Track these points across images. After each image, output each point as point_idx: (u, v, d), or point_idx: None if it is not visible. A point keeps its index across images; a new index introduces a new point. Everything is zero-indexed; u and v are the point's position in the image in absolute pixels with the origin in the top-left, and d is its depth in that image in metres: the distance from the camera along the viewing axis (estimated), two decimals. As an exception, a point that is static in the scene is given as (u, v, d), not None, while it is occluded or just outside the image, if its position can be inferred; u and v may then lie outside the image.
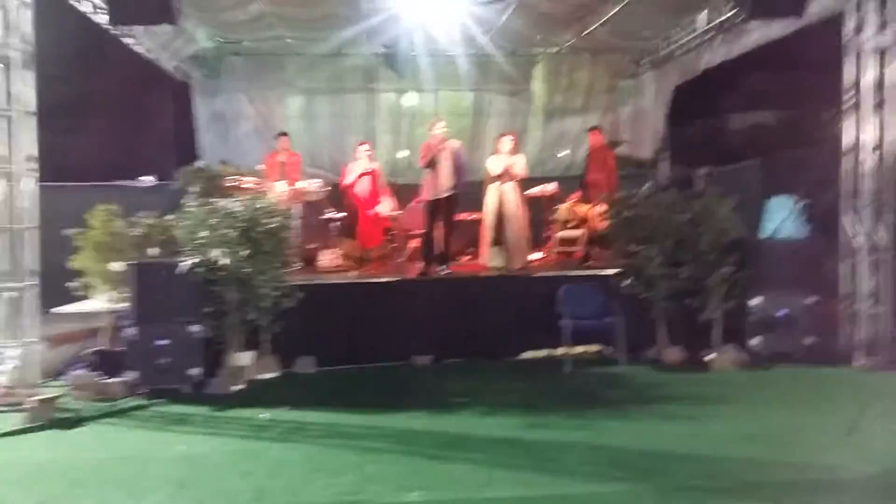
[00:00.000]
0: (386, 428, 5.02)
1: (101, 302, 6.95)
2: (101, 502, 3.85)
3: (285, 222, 6.69)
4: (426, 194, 7.75)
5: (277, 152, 9.14)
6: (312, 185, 8.62)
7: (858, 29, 6.62)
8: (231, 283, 6.24)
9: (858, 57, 6.65)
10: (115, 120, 12.33)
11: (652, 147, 12.32)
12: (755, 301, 6.70)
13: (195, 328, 6.07)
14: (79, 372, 6.15)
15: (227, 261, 6.17)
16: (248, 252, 6.31)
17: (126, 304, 6.81)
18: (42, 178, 6.27)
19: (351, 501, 3.73)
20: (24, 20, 6.03)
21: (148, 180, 11.55)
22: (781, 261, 6.79)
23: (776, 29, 8.36)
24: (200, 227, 6.24)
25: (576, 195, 8.98)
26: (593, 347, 7.18)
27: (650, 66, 11.69)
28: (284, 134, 9.28)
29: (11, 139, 5.94)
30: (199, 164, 8.73)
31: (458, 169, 7.77)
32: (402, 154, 11.75)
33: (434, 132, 7.80)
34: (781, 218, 8.33)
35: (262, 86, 11.47)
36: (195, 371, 6.06)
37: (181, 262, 6.08)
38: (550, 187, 9.24)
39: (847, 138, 6.80)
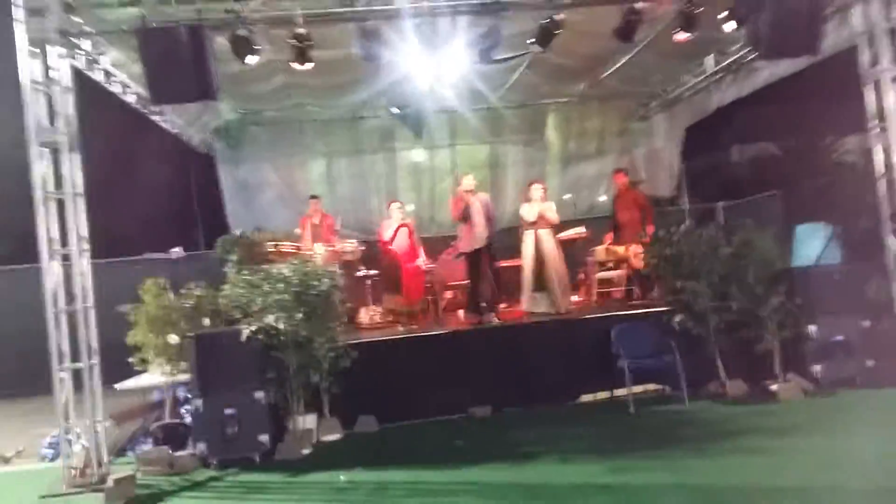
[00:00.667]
0: (469, 482, 4.99)
1: (158, 375, 6.95)
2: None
3: (335, 283, 6.74)
4: (463, 246, 7.86)
5: (310, 215, 9.27)
6: (349, 246, 8.71)
7: (874, 62, 6.84)
8: (290, 347, 6.26)
9: (878, 86, 6.85)
10: (142, 195, 12.51)
11: (669, 185, 12.57)
12: (812, 328, 6.72)
13: (259, 394, 6.06)
14: (145, 447, 6.11)
15: (283, 325, 6.19)
16: (302, 315, 6.34)
17: (184, 376, 6.85)
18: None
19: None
20: (68, 104, 6.18)
21: (177, 252, 11.71)
22: (830, 287, 6.86)
23: (784, 66, 8.67)
24: (255, 294, 6.28)
25: (608, 236, 9.07)
26: (652, 386, 7.18)
27: (660, 108, 11.99)
28: (316, 197, 9.42)
29: (65, 221, 6.02)
30: (236, 232, 8.81)
31: (490, 219, 7.90)
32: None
33: (463, 186, 7.95)
34: (813, 245, 8.47)
35: (284, 152, 11.70)
36: (263, 438, 6.03)
37: (241, 329, 6.10)
38: (581, 230, 9.34)
39: (878, 163, 6.94)
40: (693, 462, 5.03)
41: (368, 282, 8.66)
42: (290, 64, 6.78)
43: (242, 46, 6.34)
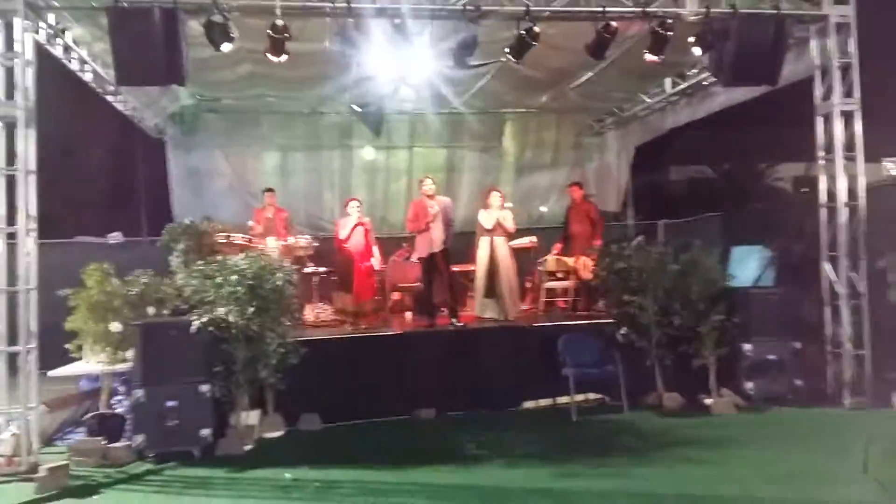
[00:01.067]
0: (417, 483, 5.02)
1: (95, 364, 6.74)
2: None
3: (289, 278, 6.67)
4: (420, 250, 7.89)
5: (264, 208, 9.14)
6: (302, 241, 8.63)
7: (826, 96, 7.18)
8: (240, 341, 6.17)
9: (828, 118, 7.19)
10: (83, 175, 12.11)
11: (616, 200, 12.86)
12: (747, 347, 7.00)
13: (205, 387, 5.95)
14: (79, 437, 5.92)
15: (235, 318, 6.10)
16: (254, 309, 6.26)
17: (123, 366, 6.66)
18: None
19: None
20: (27, 78, 5.98)
21: (115, 237, 11.36)
22: (766, 308, 7.14)
23: (740, 93, 9.00)
24: (208, 284, 6.17)
25: (557, 247, 9.23)
26: (593, 396, 7.34)
27: (613, 125, 12.27)
28: (271, 190, 9.31)
29: (16, 198, 5.81)
30: (185, 220, 8.62)
31: (448, 224, 7.95)
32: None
33: (423, 189, 7.99)
34: (749, 266, 8.81)
35: (239, 142, 11.48)
36: (205, 432, 5.92)
37: (191, 320, 5.98)
38: (532, 240, 9.48)
39: (822, 192, 7.28)
40: (636, 470, 5.17)
41: (316, 279, 8.59)
42: (266, 55, 6.66)
43: (218, 33, 6.20)
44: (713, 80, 8.75)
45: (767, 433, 6.08)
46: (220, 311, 6.14)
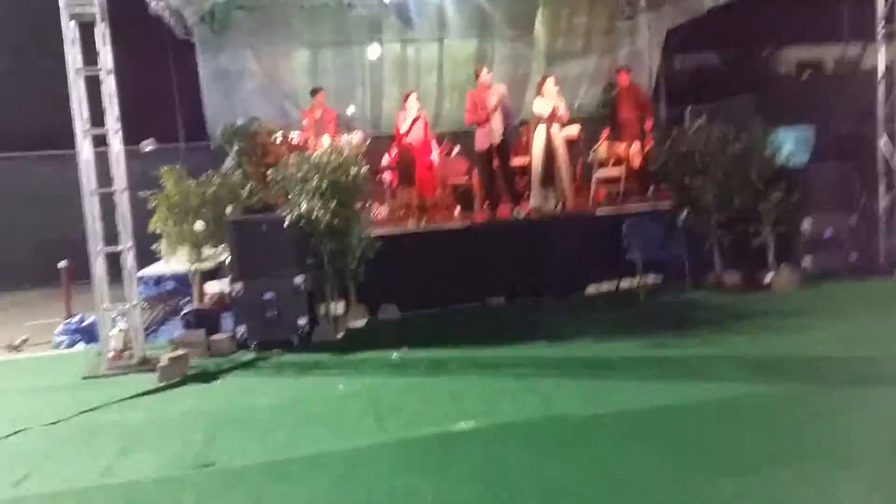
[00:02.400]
0: (522, 357, 5.34)
1: (182, 262, 6.96)
2: (313, 436, 4.03)
3: (364, 172, 6.78)
4: (480, 142, 7.95)
5: (314, 108, 9.11)
6: (355, 139, 8.65)
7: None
8: (326, 235, 6.35)
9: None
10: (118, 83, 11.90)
11: (648, 86, 12.77)
12: (805, 224, 7.24)
13: (300, 279, 6.19)
14: (178, 332, 6.21)
15: (322, 212, 6.25)
16: (336, 203, 6.40)
17: (207, 264, 6.90)
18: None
19: (555, 415, 4.04)
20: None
21: (150, 143, 11.31)
22: (823, 185, 7.32)
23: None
24: (295, 180, 6.29)
25: (604, 134, 9.29)
26: (652, 278, 7.61)
27: (647, 7, 12.02)
28: (319, 89, 9.22)
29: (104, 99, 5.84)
30: (238, 121, 8.61)
31: (507, 114, 7.98)
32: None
33: (481, 79, 7.96)
34: (787, 146, 8.93)
35: (268, 41, 11.23)
36: (302, 321, 6.21)
37: (282, 216, 6.15)
38: (575, 129, 9.51)
39: (880, 66, 7.31)
40: (722, 338, 5.45)
41: (383, 175, 8.71)
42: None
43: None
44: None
45: (833, 304, 6.38)
46: (304, 206, 6.29)
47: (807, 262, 7.29)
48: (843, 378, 4.40)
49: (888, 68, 7.28)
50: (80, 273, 8.30)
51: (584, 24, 12.15)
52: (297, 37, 11.33)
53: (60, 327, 6.99)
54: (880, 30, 7.29)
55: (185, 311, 6.54)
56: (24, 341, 7.03)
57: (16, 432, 4.42)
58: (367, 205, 6.84)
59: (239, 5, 10.61)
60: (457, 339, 6.01)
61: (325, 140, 8.58)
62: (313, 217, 6.21)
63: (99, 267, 5.84)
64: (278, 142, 8.27)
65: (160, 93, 12.30)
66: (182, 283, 8.14)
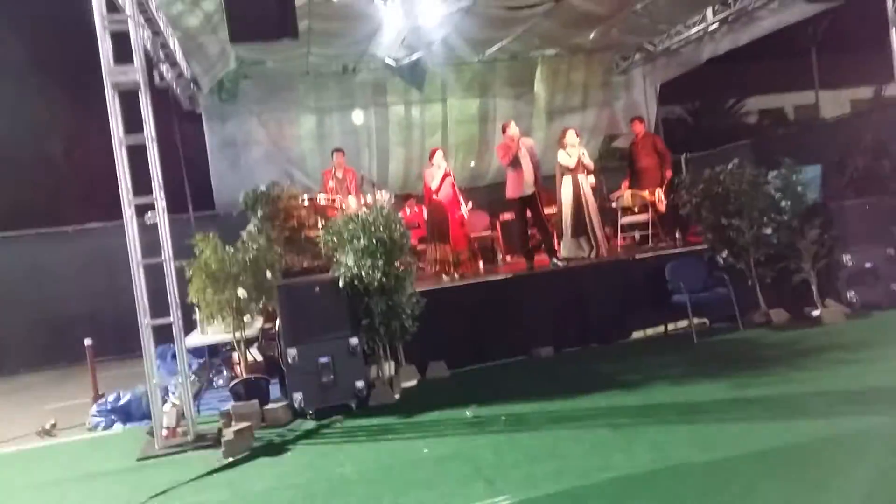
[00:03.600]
0: (603, 407, 5.16)
1: (217, 333, 6.71)
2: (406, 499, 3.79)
3: (405, 230, 6.66)
4: (512, 193, 7.93)
5: (333, 169, 9.04)
6: (383, 198, 8.58)
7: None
8: (375, 294, 6.17)
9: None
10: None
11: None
12: (846, 257, 7.28)
13: (354, 340, 5.97)
14: (237, 403, 5.91)
15: (372, 271, 6.09)
16: (383, 261, 6.26)
17: (249, 331, 6.66)
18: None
19: (678, 464, 3.86)
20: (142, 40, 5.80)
21: (152, 217, 11.09)
22: (860, 219, 7.41)
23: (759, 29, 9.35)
24: (344, 241, 6.14)
25: (625, 183, 9.38)
26: (696, 320, 7.54)
27: (641, 62, 12.38)
28: (340, 150, 9.18)
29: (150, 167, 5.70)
30: (260, 186, 8.47)
31: (536, 165, 8.00)
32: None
33: (509, 133, 8.00)
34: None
35: (274, 107, 11.36)
36: (360, 384, 5.96)
37: (334, 277, 6.00)
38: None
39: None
40: (796, 375, 5.35)
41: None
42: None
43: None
44: (757, 6, 9.10)
45: (889, 335, 6.35)
46: (350, 263, 6.13)
47: (852, 294, 7.30)
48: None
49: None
50: (100, 350, 7.99)
51: (580, 79, 12.46)
52: (303, 103, 11.43)
53: (94, 408, 6.61)
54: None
55: (233, 383, 6.23)
56: (54, 426, 6.61)
57: (92, 522, 4.08)
58: (410, 263, 6.65)
59: (245, 74, 10.67)
60: (520, 392, 5.79)
61: (352, 200, 8.52)
62: (364, 276, 6.03)
63: (147, 340, 5.56)
64: (305, 203, 8.12)
65: (166, 164, 12.15)
66: (212, 355, 7.88)
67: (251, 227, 8.27)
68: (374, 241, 6.16)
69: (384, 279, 6.19)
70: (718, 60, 11.47)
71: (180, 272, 6.39)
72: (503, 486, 3.84)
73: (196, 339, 6.86)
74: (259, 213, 8.31)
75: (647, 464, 3.90)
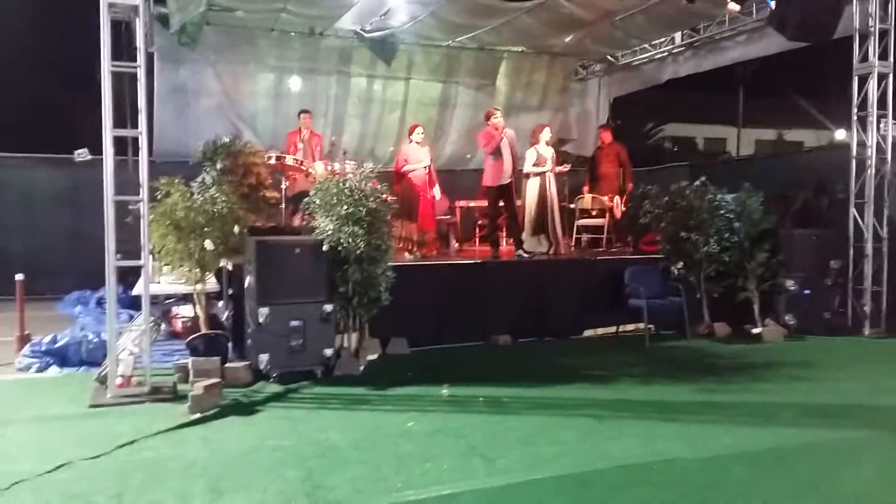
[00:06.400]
0: (575, 398, 5.23)
1: (176, 282, 6.35)
2: (430, 475, 3.72)
3: (385, 201, 6.53)
4: (489, 181, 7.94)
5: (299, 130, 8.74)
6: (348, 167, 8.36)
7: (864, 57, 7.89)
8: (355, 263, 6.02)
9: (864, 79, 7.93)
10: (56, 86, 10.86)
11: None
12: (789, 282, 7.74)
13: (329, 307, 5.81)
14: (197, 358, 5.60)
15: (355, 239, 5.93)
16: (363, 231, 6.11)
17: (210, 285, 6.36)
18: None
19: (674, 458, 3.97)
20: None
21: (83, 154, 10.37)
22: (804, 248, 7.90)
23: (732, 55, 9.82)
24: (330, 205, 5.95)
25: (585, 189, 9.60)
26: (641, 326, 7.80)
27: (601, 72, 12.70)
28: (307, 111, 8.88)
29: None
30: (224, 137, 8.06)
31: (515, 156, 8.04)
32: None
33: (493, 121, 8.00)
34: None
35: (232, 59, 10.79)
36: (329, 352, 5.80)
37: (319, 240, 5.78)
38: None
39: (854, 144, 8.06)
40: (754, 385, 5.64)
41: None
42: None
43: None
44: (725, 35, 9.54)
45: (829, 357, 6.80)
46: (331, 229, 5.95)
47: (789, 317, 7.77)
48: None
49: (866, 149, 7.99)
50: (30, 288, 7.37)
51: (542, 80, 12.59)
52: (263, 60, 10.96)
53: (28, 348, 6.10)
54: (854, 113, 8.02)
55: (191, 337, 5.90)
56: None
57: (58, 467, 3.76)
58: (391, 235, 6.52)
59: (208, 21, 10.11)
60: (488, 377, 5.83)
61: (319, 165, 8.27)
62: (347, 243, 5.87)
63: (112, 282, 5.19)
64: (272, 161, 7.80)
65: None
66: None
67: (206, 177, 7.86)
68: (361, 209, 6.01)
69: (365, 249, 6.05)
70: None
71: (126, 215, 5.96)
72: (505, 465, 3.84)
73: (156, 287, 6.44)
74: (218, 166, 7.94)
75: (642, 455, 4.01)
